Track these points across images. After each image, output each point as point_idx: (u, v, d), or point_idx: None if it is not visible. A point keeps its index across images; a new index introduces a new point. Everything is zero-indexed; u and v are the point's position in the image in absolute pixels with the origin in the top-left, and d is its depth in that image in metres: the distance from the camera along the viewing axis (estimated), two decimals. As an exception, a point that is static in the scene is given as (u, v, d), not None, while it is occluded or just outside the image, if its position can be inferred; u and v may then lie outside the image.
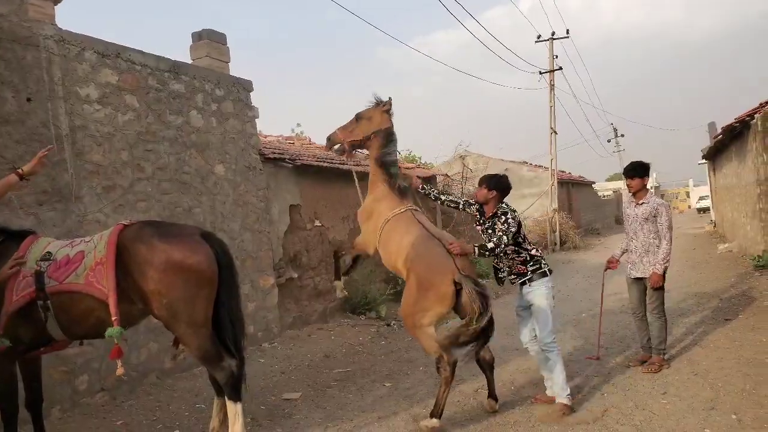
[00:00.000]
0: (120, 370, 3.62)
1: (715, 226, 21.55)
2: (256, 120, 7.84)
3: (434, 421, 4.12)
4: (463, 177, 15.59)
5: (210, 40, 7.52)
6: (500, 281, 4.81)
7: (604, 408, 4.44)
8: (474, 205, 4.81)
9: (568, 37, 22.26)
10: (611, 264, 5.67)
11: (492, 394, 4.56)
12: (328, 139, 5.00)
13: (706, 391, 4.60)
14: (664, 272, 5.25)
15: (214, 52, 7.55)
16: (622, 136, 46.74)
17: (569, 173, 30.55)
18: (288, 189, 8.15)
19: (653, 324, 5.34)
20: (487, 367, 4.54)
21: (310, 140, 12.70)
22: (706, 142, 19.39)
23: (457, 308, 4.33)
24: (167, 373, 6.00)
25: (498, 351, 6.48)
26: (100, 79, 5.70)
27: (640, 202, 5.37)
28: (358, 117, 4.85)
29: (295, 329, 8.02)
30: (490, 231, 4.58)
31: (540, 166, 25.88)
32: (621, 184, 50.12)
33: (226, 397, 3.81)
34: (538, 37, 22.37)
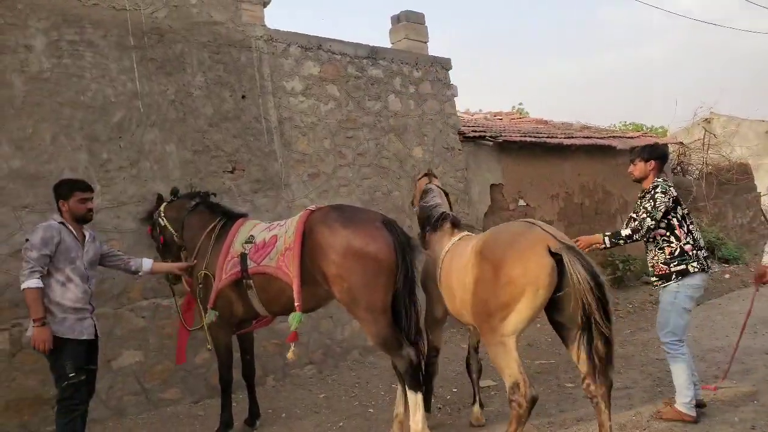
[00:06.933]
0: (290, 354, 3.79)
1: None
2: (455, 99, 7.65)
3: None
4: (704, 144, 13.31)
5: (408, 22, 7.53)
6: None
7: None
8: None
9: None
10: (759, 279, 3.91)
11: None
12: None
13: None
14: None
15: (413, 33, 7.54)
16: None
17: None
18: (489, 168, 7.82)
19: None
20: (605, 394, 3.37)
21: (520, 114, 12.10)
22: None
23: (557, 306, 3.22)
24: (369, 350, 6.23)
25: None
26: (303, 71, 6.07)
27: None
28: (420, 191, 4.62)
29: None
30: (633, 214, 3.85)
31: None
32: None
33: (406, 386, 3.74)
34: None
